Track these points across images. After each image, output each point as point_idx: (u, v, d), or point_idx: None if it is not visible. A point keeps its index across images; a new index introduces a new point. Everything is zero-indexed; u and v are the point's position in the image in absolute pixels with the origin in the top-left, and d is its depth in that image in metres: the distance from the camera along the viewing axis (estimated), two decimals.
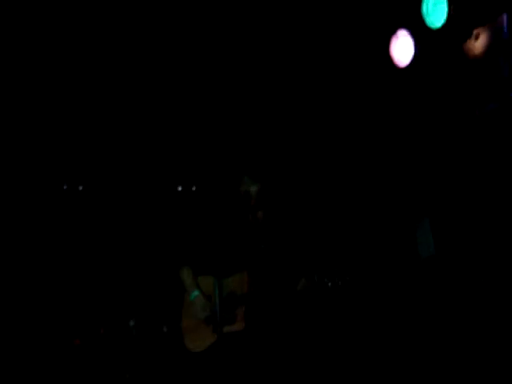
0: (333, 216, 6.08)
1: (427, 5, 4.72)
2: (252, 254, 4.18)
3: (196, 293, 4.16)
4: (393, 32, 5.09)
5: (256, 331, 4.09)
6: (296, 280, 4.13)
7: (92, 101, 6.13)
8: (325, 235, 5.80)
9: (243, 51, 5.62)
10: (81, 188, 6.89)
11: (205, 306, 4.10)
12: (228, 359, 3.94)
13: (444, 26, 4.66)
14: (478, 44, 4.67)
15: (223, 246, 4.08)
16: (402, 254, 5.57)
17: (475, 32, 4.67)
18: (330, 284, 4.01)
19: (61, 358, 6.16)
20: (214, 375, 4.02)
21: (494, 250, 4.65)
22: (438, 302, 5.18)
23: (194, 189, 6.97)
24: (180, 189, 6.99)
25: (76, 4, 5.12)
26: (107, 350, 6.32)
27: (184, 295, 4.27)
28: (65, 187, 6.83)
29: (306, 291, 4.06)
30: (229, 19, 5.38)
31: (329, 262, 4.32)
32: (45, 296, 6.49)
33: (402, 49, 5.04)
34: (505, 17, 4.48)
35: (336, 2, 5.18)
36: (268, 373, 4.08)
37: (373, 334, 5.59)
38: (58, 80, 5.84)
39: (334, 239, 5.89)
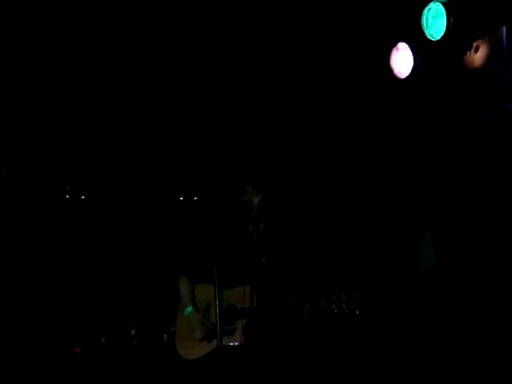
0: (334, 228, 6.07)
1: (427, 17, 4.74)
2: (253, 267, 4.14)
3: (190, 309, 4.13)
4: (393, 44, 5.11)
5: (255, 347, 4.03)
6: (297, 298, 4.05)
7: (93, 111, 6.14)
8: (326, 249, 5.79)
9: (243, 62, 5.63)
10: (83, 197, 6.91)
11: (200, 323, 4.07)
12: (227, 371, 3.85)
13: (443, 38, 4.68)
14: (478, 56, 4.69)
15: (224, 257, 3.96)
16: (402, 267, 5.56)
17: (475, 44, 4.70)
18: (336, 311, 3.91)
19: (61, 366, 6.16)
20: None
21: (495, 260, 4.65)
22: (439, 315, 5.18)
23: (195, 199, 6.97)
24: (182, 198, 7.00)
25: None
26: (108, 358, 6.31)
27: (180, 304, 4.25)
28: (67, 196, 6.85)
29: (311, 315, 3.96)
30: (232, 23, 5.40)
31: (333, 283, 4.26)
32: (46, 304, 6.49)
33: (402, 61, 5.05)
34: (504, 29, 4.50)
35: (336, 15, 5.20)
36: None
37: (375, 352, 5.58)
38: (59, 89, 5.85)
39: (335, 253, 5.87)
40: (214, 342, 3.91)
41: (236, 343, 3.99)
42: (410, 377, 5.23)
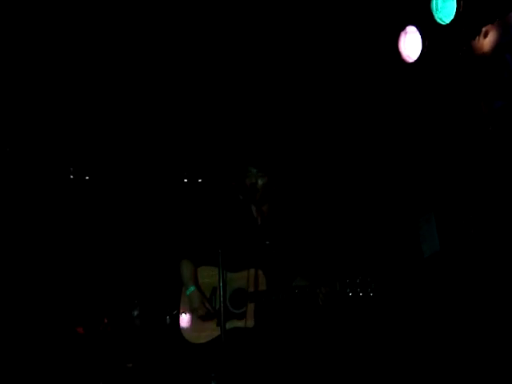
0: (337, 212, 6.06)
1: (436, 1, 4.71)
2: (257, 250, 4.09)
3: (192, 288, 4.10)
4: (402, 27, 5.07)
5: (267, 330, 4.01)
6: (304, 281, 4.04)
7: (99, 92, 6.12)
8: (330, 232, 5.77)
9: (249, 42, 5.60)
10: (87, 178, 6.90)
11: (201, 302, 4.04)
12: (232, 353, 3.84)
13: (453, 23, 4.65)
14: (487, 41, 4.67)
15: (228, 240, 3.93)
16: (406, 252, 5.56)
17: (484, 29, 4.67)
18: (351, 294, 3.87)
19: (64, 346, 6.18)
20: (216, 367, 3.99)
21: (500, 246, 4.65)
22: (442, 302, 5.18)
23: (200, 181, 6.96)
24: (186, 180, 6.99)
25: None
26: (110, 339, 6.33)
27: (182, 288, 4.21)
28: (71, 177, 6.84)
29: (325, 298, 3.92)
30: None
31: (339, 266, 4.22)
32: (49, 284, 6.50)
33: (411, 44, 5.02)
34: None
35: None
36: (272, 372, 3.99)
37: (380, 338, 5.59)
38: (65, 72, 5.84)
39: (339, 237, 5.86)
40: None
41: (247, 326, 3.94)
42: (421, 361, 5.24)
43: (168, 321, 6.11)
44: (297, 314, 4.14)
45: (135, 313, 6.37)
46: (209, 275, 4.12)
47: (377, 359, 5.52)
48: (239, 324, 3.95)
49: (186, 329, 4.12)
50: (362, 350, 5.64)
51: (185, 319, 4.14)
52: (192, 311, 4.08)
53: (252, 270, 4.01)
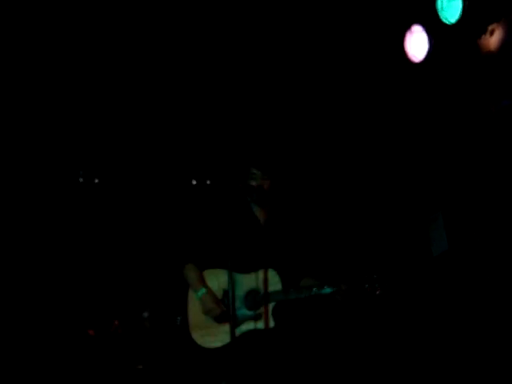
0: (343, 212, 6.06)
1: (442, 0, 4.71)
2: (266, 250, 4.07)
3: (203, 290, 4.00)
4: (407, 27, 5.08)
5: (287, 330, 3.99)
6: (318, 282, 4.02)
7: (107, 96, 6.15)
8: (336, 231, 5.77)
9: (251, 43, 5.61)
10: (97, 181, 6.93)
11: (216, 303, 3.95)
12: (246, 354, 3.85)
13: (459, 22, 4.65)
14: (493, 40, 4.66)
15: (235, 242, 3.88)
16: (415, 251, 5.55)
17: (490, 28, 4.66)
18: (369, 289, 3.82)
19: (74, 349, 6.20)
20: (228, 368, 3.89)
21: (508, 245, 4.64)
22: (450, 301, 5.17)
23: (208, 182, 6.97)
24: (194, 182, 7.00)
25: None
26: (121, 341, 6.35)
27: (188, 292, 4.14)
28: (81, 180, 6.87)
29: (346, 296, 3.88)
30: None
31: (354, 265, 4.20)
32: (60, 287, 6.53)
33: (417, 44, 5.02)
34: None
35: None
36: (291, 373, 3.97)
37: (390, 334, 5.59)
38: (72, 73, 5.87)
39: (346, 236, 5.87)
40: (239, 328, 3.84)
41: (265, 327, 3.89)
42: (433, 358, 5.24)
43: (178, 321, 6.12)
44: (317, 312, 4.12)
45: (145, 314, 6.38)
46: (217, 278, 4.04)
47: (398, 356, 5.49)
48: (256, 325, 3.90)
49: (198, 333, 4.02)
50: (382, 345, 5.60)
51: (195, 324, 4.05)
52: (206, 313, 3.98)
53: (263, 271, 3.98)
